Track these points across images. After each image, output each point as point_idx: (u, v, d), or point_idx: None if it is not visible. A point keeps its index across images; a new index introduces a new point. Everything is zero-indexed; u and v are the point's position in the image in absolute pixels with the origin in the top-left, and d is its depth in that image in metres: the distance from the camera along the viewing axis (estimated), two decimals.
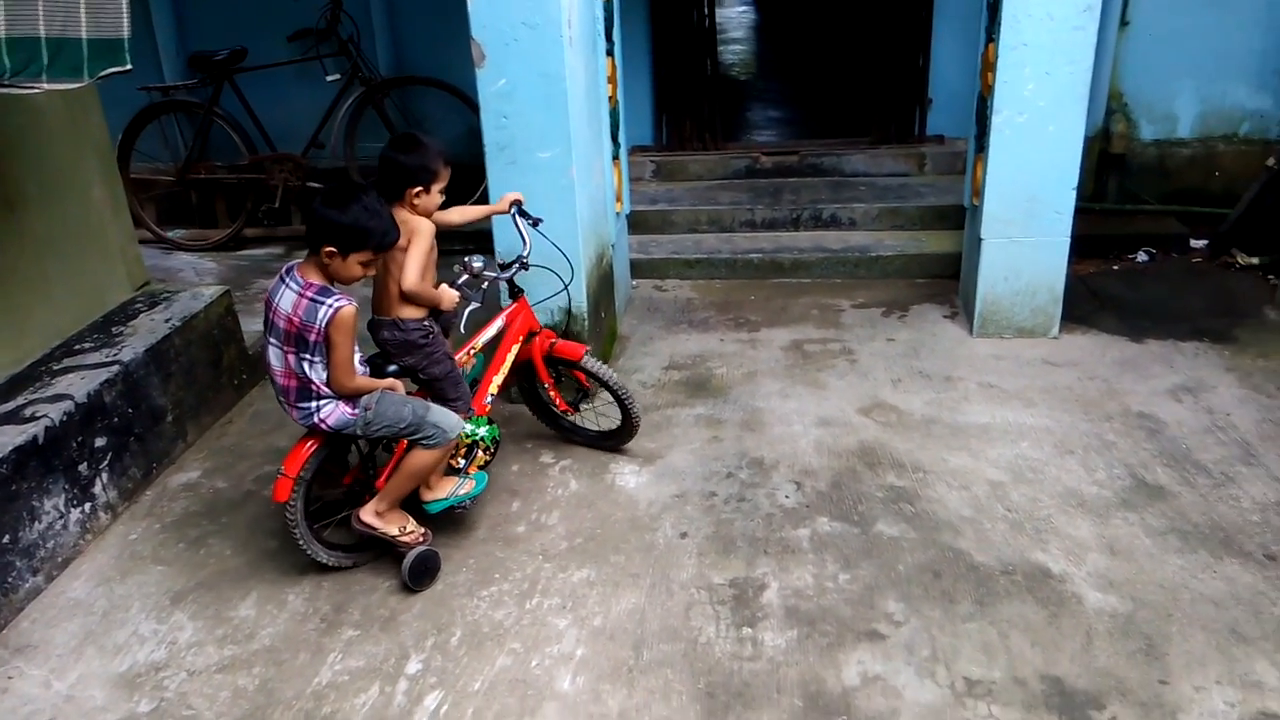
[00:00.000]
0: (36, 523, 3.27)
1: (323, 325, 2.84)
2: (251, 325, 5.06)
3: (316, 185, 6.69)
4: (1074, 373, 4.48)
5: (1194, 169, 6.23)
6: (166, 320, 4.12)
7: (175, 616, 3.16)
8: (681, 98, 6.84)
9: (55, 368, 3.69)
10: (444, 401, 3.32)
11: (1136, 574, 3.15)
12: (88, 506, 3.51)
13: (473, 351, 3.59)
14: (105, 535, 3.59)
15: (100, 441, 3.59)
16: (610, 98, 4.77)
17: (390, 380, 3.18)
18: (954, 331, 5.01)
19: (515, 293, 3.64)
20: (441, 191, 3.27)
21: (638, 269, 5.83)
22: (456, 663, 2.91)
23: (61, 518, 3.38)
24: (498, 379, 3.60)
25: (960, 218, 5.37)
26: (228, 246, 6.81)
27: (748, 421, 4.18)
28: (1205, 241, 5.86)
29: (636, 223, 6.07)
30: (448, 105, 6.38)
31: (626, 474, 3.84)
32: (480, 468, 3.55)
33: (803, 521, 3.49)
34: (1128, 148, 6.19)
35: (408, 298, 3.20)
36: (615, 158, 4.92)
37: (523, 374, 3.84)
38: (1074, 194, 4.55)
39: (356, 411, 3.03)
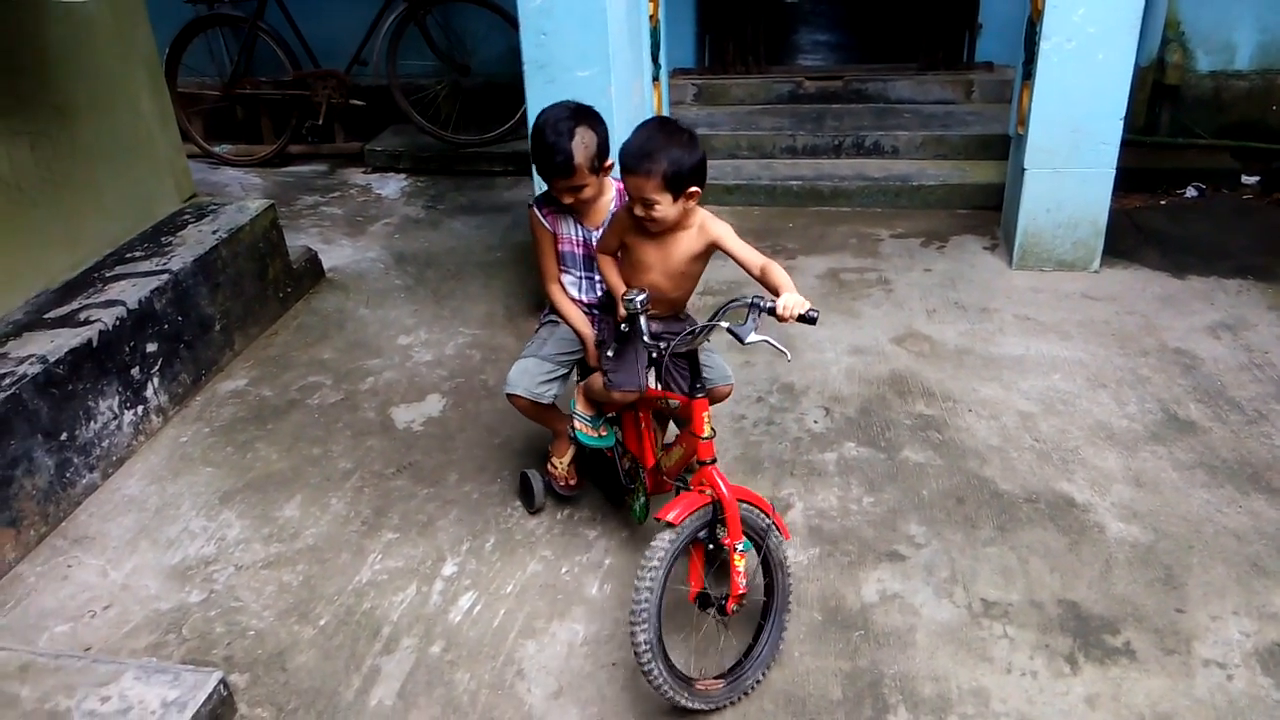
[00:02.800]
0: (92, 422, 3.41)
1: None
2: (295, 240, 5.16)
3: (359, 103, 6.72)
4: (1112, 307, 4.45)
5: (1251, 102, 6.05)
6: (214, 232, 4.21)
7: (224, 515, 3.31)
8: (725, 19, 6.73)
9: (107, 275, 3.81)
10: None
11: (1160, 506, 3.18)
12: (140, 409, 3.66)
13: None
14: (157, 437, 3.74)
15: (151, 347, 3.71)
16: (651, 16, 4.71)
17: (574, 313, 3.05)
18: (993, 263, 4.97)
19: (691, 390, 2.56)
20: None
21: None
22: (490, 567, 3.04)
23: (115, 419, 3.53)
24: (665, 459, 2.85)
25: (1005, 147, 5.29)
26: (272, 163, 6.88)
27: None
28: (1258, 178, 5.73)
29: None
30: (489, 23, 6.34)
31: None
32: (622, 478, 3.13)
33: (830, 446, 3.54)
34: (1182, 79, 6.02)
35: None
36: (655, 79, 4.88)
37: None
38: (1121, 125, 4.46)
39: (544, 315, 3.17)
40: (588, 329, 3.04)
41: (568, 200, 2.88)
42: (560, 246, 3.03)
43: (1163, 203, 5.64)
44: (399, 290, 4.93)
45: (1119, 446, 3.48)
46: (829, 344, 4.22)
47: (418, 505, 3.33)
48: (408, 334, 4.47)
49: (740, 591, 2.49)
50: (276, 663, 2.71)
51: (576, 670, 2.66)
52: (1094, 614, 2.76)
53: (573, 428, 3.06)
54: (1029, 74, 4.56)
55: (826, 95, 6.65)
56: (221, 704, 2.46)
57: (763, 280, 2.62)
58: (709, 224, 2.67)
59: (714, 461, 2.50)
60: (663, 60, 5.01)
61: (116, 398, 3.53)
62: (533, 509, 3.25)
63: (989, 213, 5.49)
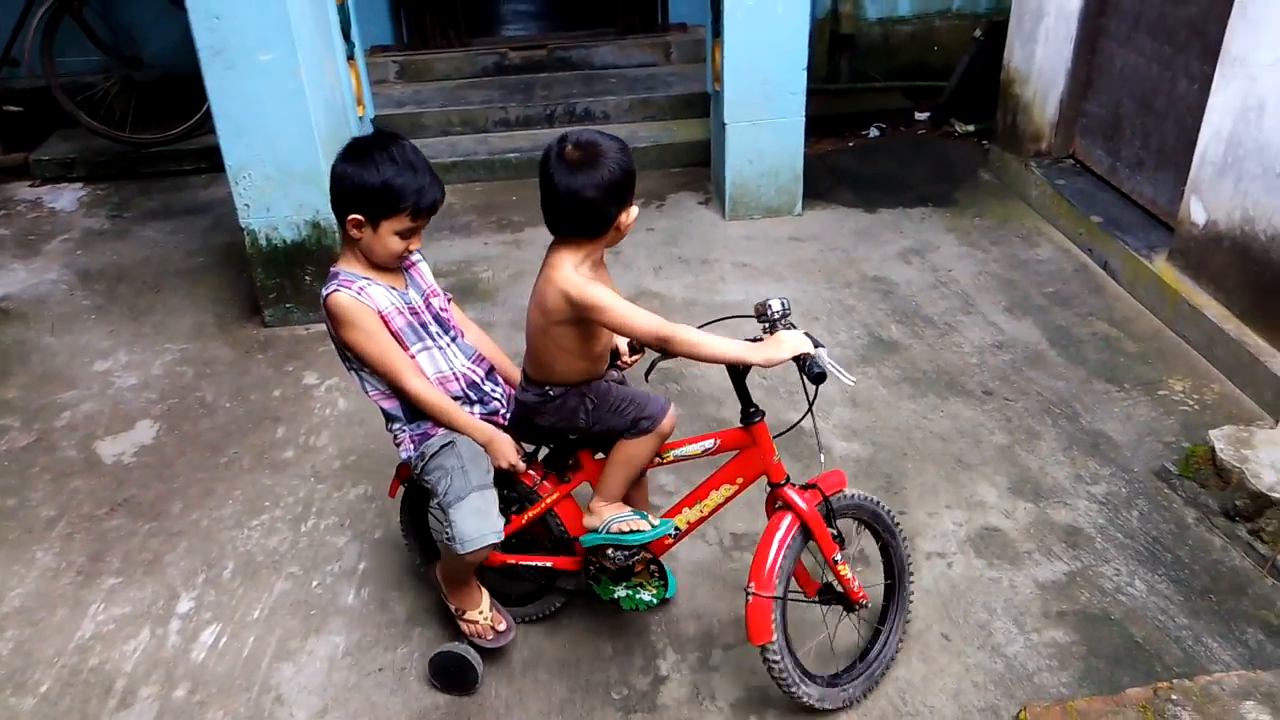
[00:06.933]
0: None
1: (325, 318, 2.38)
2: None
3: (15, 109, 5.98)
4: (817, 246, 4.77)
5: (915, 45, 6.65)
6: None
7: None
8: None
9: None
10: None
11: (875, 421, 3.46)
12: None
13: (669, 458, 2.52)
14: None
15: None
16: None
17: (464, 420, 2.41)
18: (709, 216, 5.18)
19: (748, 416, 2.38)
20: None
21: None
22: (232, 595, 2.83)
23: None
24: (689, 513, 2.52)
25: (707, 105, 5.51)
26: None
27: (517, 322, 4.18)
28: (927, 114, 6.31)
29: (383, 128, 5.81)
30: (157, 9, 5.83)
31: None
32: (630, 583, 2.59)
33: None
34: (855, 27, 6.51)
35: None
36: (350, 58, 4.68)
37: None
38: (805, 74, 4.75)
39: (414, 447, 2.44)
40: (488, 431, 2.43)
41: (409, 250, 2.39)
42: (391, 326, 2.37)
43: (850, 144, 6.10)
44: (88, 311, 4.45)
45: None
46: None
47: (140, 543, 3.04)
48: (105, 358, 4.05)
49: (858, 598, 2.46)
50: None
51: (341, 684, 2.54)
52: None
53: (619, 533, 2.43)
54: (718, 32, 4.75)
55: (532, 65, 6.64)
56: None
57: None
58: None
59: (788, 481, 2.41)
60: (355, 37, 4.81)
61: None
62: (473, 690, 2.53)
63: (700, 169, 5.71)
